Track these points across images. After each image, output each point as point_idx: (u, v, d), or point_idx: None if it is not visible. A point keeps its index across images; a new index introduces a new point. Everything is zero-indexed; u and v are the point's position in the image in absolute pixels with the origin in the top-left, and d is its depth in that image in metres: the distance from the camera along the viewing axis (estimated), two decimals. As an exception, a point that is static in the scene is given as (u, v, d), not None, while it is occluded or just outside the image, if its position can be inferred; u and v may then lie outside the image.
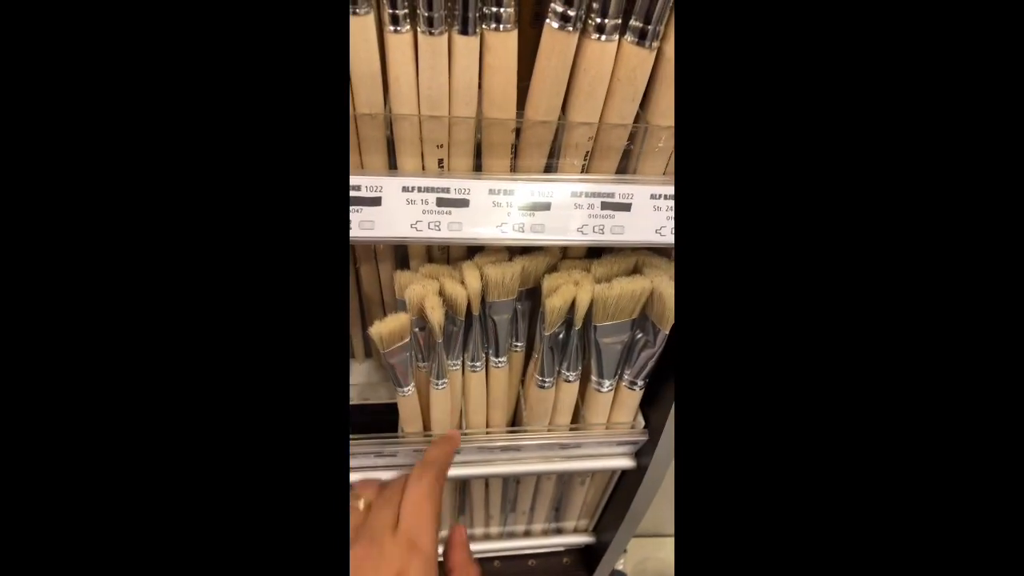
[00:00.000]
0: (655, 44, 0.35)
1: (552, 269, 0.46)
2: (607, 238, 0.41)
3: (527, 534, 0.70)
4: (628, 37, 0.35)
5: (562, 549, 0.72)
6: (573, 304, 0.45)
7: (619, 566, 1.15)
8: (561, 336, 0.47)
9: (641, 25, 0.35)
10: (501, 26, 0.34)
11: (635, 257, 0.47)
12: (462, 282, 0.43)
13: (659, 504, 1.20)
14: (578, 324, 0.46)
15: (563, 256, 0.48)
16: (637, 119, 0.40)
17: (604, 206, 0.41)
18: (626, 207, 0.41)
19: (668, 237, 0.41)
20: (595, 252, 0.49)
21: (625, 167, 0.42)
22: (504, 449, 0.53)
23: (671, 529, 1.20)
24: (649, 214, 0.41)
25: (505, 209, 0.39)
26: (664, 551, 1.20)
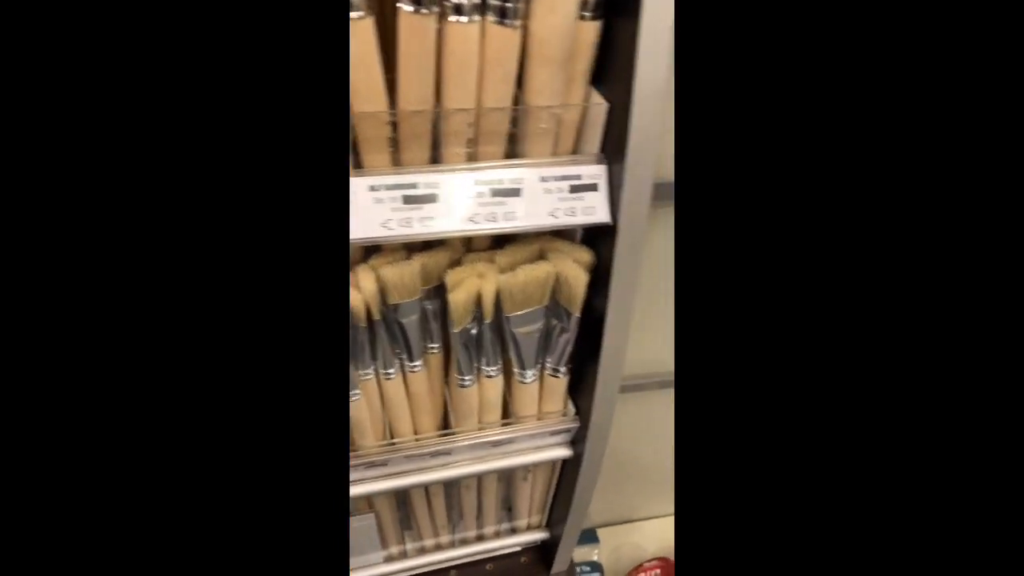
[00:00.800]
0: (518, 22, 0.35)
1: (456, 263, 0.45)
2: (500, 225, 0.40)
3: (480, 538, 0.68)
4: (489, 17, 0.35)
5: (518, 549, 0.71)
6: (480, 297, 0.43)
7: (594, 557, 1.15)
8: (474, 331, 0.46)
9: (500, 3, 0.34)
10: (353, 14, 0.32)
11: (539, 243, 0.46)
12: (356, 286, 0.41)
13: (629, 490, 1.20)
14: (488, 317, 0.45)
15: (468, 249, 0.47)
16: (518, 101, 0.39)
17: (494, 193, 0.40)
18: (516, 192, 0.40)
19: (562, 219, 0.41)
20: (501, 243, 0.48)
21: (513, 151, 0.41)
22: (435, 455, 0.52)
23: (642, 514, 1.21)
24: (540, 197, 0.40)
25: (389, 205, 0.38)
26: (637, 535, 1.21)
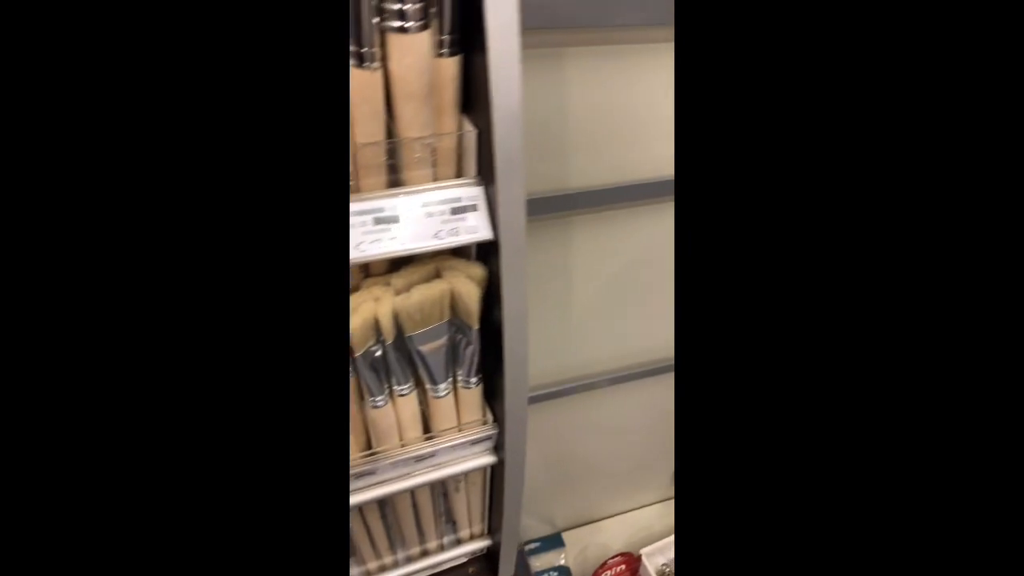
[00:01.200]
0: (375, 64, 0.38)
1: (354, 289, 0.47)
2: (385, 249, 0.42)
3: (425, 554, 0.69)
4: (350, 62, 0.37)
5: (465, 560, 0.73)
6: (378, 320, 0.46)
7: (560, 561, 1.17)
8: (379, 353, 0.48)
9: (356, 50, 0.37)
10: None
11: (435, 263, 0.49)
12: (253, 321, 0.43)
13: (588, 491, 1.22)
14: (389, 338, 0.47)
15: (366, 275, 0.49)
16: (394, 134, 0.42)
17: (376, 221, 0.42)
18: (395, 219, 0.42)
19: (446, 239, 0.43)
20: (399, 266, 0.50)
21: (397, 180, 0.44)
22: (359, 476, 0.53)
23: (605, 512, 1.23)
24: (423, 220, 0.43)
25: (274, 242, 0.40)
26: (601, 535, 1.23)
